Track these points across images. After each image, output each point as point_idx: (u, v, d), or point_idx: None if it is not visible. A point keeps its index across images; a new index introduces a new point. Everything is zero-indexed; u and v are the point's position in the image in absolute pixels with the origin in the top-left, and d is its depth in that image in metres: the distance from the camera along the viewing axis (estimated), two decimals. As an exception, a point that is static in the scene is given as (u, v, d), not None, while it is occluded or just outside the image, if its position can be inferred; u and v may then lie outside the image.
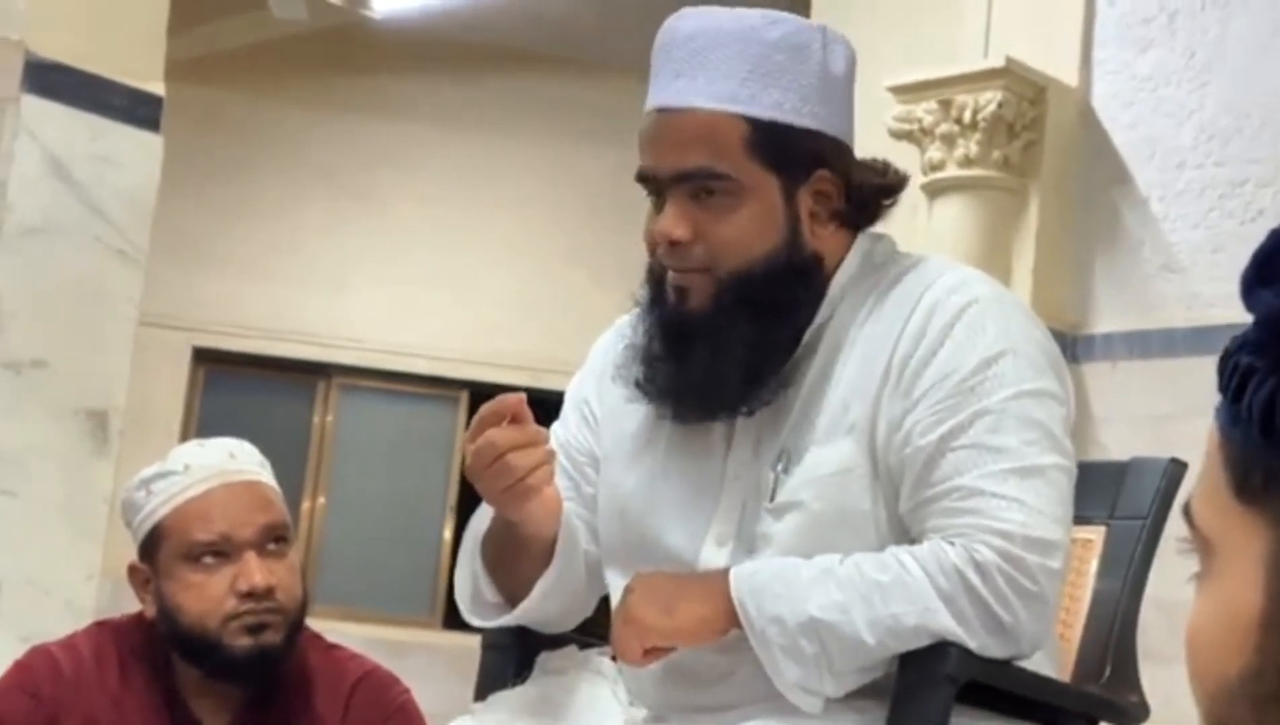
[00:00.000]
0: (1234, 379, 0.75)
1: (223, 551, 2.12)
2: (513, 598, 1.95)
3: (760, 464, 1.84)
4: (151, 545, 2.16)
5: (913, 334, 1.79)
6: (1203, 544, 0.77)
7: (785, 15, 1.88)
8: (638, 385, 1.90)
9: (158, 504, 2.15)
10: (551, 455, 1.83)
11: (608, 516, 1.97)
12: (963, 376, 1.76)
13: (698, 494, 1.87)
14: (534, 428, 1.82)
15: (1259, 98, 4.54)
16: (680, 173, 1.82)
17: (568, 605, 1.98)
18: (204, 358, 8.93)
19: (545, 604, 1.93)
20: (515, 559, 1.93)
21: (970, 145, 4.83)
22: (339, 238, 8.92)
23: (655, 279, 1.89)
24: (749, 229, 1.81)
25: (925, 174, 4.82)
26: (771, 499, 1.81)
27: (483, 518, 1.97)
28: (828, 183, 1.85)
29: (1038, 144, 4.88)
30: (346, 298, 8.87)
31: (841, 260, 1.87)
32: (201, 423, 8.84)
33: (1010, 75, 4.81)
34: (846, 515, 1.78)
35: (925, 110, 4.89)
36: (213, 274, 8.73)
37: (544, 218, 9.05)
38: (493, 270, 8.96)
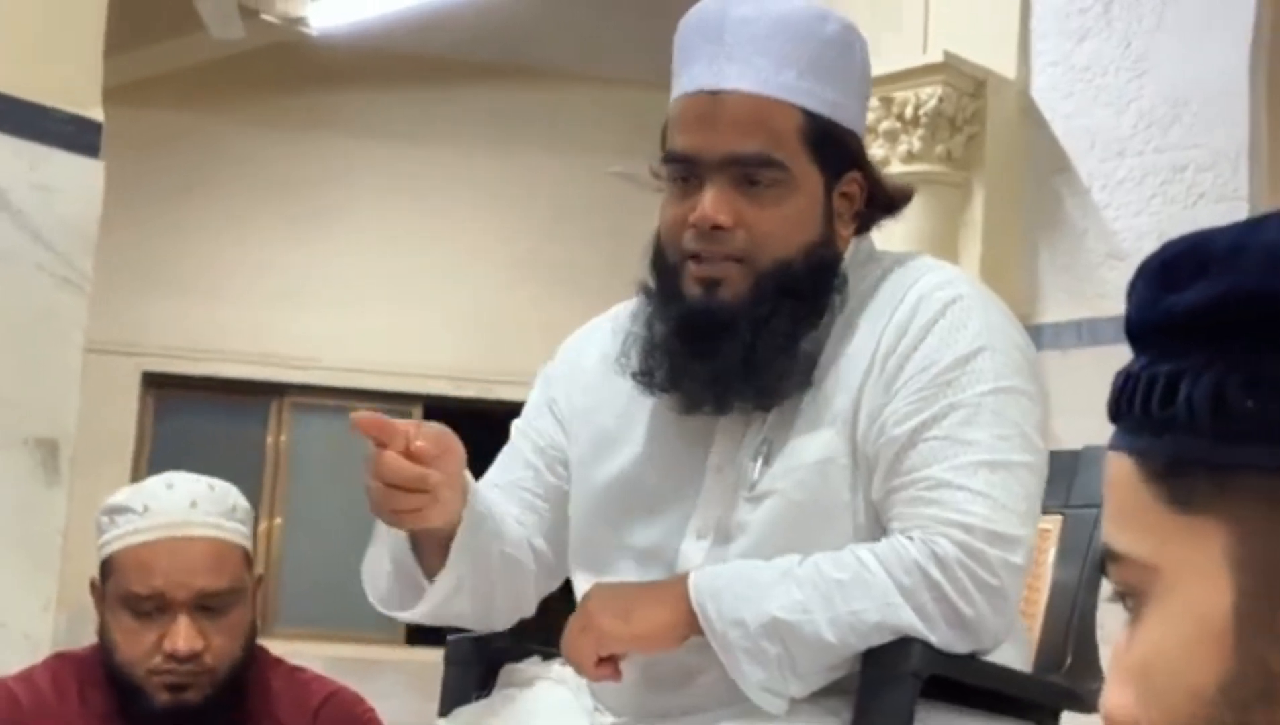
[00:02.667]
0: (1150, 393, 0.75)
1: (158, 606, 2.10)
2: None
3: (742, 455, 1.83)
4: (103, 574, 2.16)
5: (897, 328, 1.80)
6: (1140, 575, 0.76)
7: (830, 10, 1.90)
8: (639, 377, 1.86)
9: (113, 538, 2.13)
10: (432, 501, 1.72)
11: (581, 514, 1.95)
12: (941, 370, 1.77)
13: (679, 487, 1.86)
14: (419, 472, 1.70)
15: (1196, 83, 4.57)
16: (734, 156, 1.79)
17: (485, 605, 1.91)
18: (154, 382, 8.87)
19: (452, 602, 1.86)
20: (423, 552, 1.86)
21: (913, 141, 4.85)
22: (286, 256, 8.87)
23: (668, 269, 1.85)
24: (792, 221, 1.81)
25: (870, 171, 4.83)
26: (751, 489, 1.81)
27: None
28: (856, 185, 1.87)
29: (979, 137, 4.90)
30: (296, 316, 8.83)
31: None
32: (154, 447, 8.78)
33: (949, 70, 4.84)
34: (826, 506, 1.78)
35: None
36: (160, 297, 8.68)
37: (493, 229, 9.03)
38: (443, 283, 8.94)
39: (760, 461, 1.81)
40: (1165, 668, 0.74)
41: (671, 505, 1.87)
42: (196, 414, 9.00)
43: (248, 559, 2.19)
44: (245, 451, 8.94)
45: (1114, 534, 0.78)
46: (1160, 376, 0.74)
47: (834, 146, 1.84)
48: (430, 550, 1.85)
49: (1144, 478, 0.75)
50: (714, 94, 1.81)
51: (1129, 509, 0.77)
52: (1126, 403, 0.77)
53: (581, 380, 2.00)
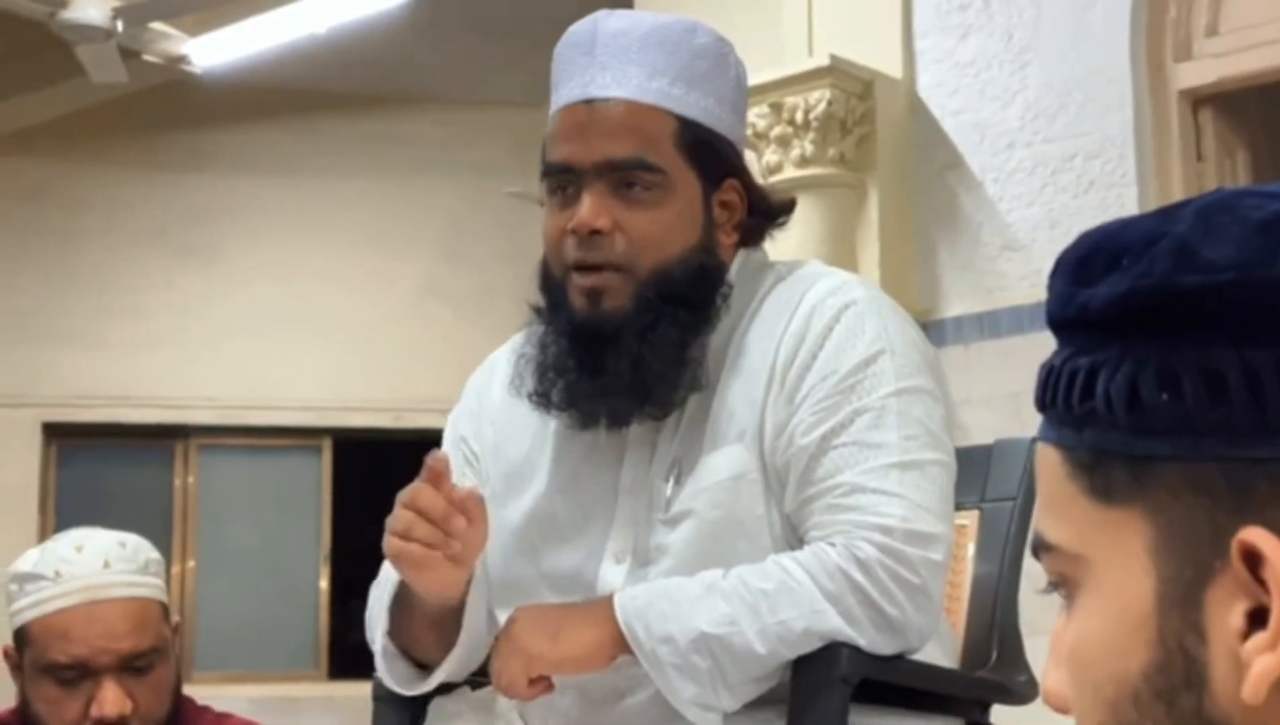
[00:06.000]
0: (1071, 387, 0.76)
1: (81, 673, 2.06)
2: (415, 655, 1.89)
3: (653, 476, 1.83)
4: (19, 643, 2.11)
5: (794, 338, 1.81)
6: (1070, 565, 0.77)
7: (701, 23, 1.91)
8: (534, 398, 1.86)
9: (25, 606, 2.08)
10: (446, 544, 1.72)
11: (498, 552, 1.92)
12: (842, 376, 1.77)
13: (592, 512, 1.86)
14: (447, 508, 1.71)
15: (1079, 72, 4.64)
16: (610, 161, 1.80)
17: (471, 661, 1.92)
18: (55, 433, 8.73)
19: (453, 668, 1.87)
20: (422, 629, 1.86)
21: (805, 145, 4.88)
22: (182, 297, 8.78)
23: (554, 284, 1.84)
24: (671, 225, 1.81)
25: (764, 178, 4.86)
26: (666, 510, 1.81)
27: (385, 585, 1.89)
28: (735, 193, 1.88)
29: (870, 138, 4.94)
30: (195, 356, 8.73)
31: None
32: (60, 498, 8.65)
33: (837, 73, 4.87)
34: (741, 521, 1.78)
35: (758, 115, 4.93)
36: (55, 347, 8.56)
37: (389, 256, 8.98)
38: (342, 313, 8.88)
39: (671, 482, 1.81)
40: (1093, 655, 0.75)
41: (586, 530, 1.86)
42: (101, 462, 8.87)
43: (165, 612, 2.15)
44: (153, 496, 8.83)
45: (1044, 524, 0.79)
46: (1079, 370, 0.75)
47: (710, 153, 1.85)
48: (424, 624, 1.84)
49: (1069, 469, 0.76)
50: (588, 103, 1.82)
51: (1056, 500, 0.78)
52: (1050, 396, 0.78)
53: (488, 414, 1.99)
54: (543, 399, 1.85)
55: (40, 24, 6.42)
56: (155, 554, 2.17)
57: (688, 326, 1.81)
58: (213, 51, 7.21)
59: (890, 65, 4.99)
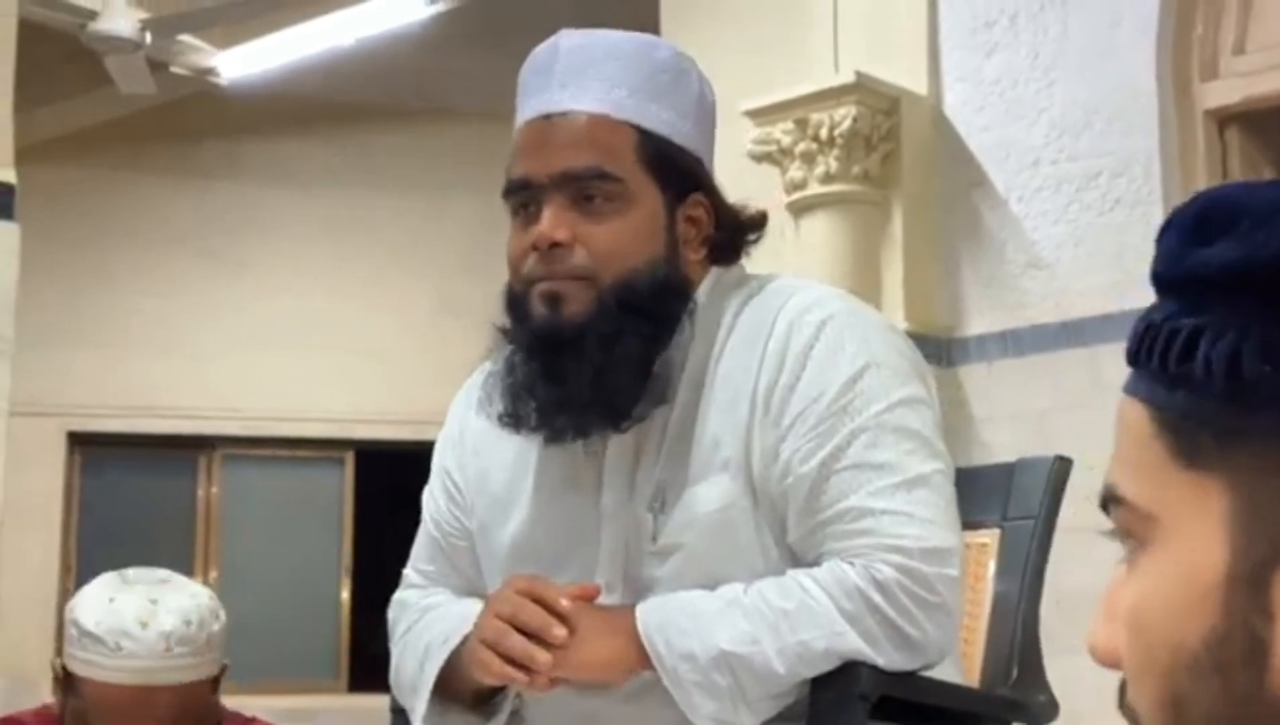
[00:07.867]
0: (1169, 346, 0.74)
1: None
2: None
3: (636, 503, 1.81)
4: (68, 683, 2.11)
5: (774, 359, 1.78)
6: (1140, 522, 0.75)
7: (663, 40, 1.90)
8: (504, 419, 1.84)
9: (79, 659, 2.07)
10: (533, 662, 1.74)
11: (492, 580, 1.92)
12: (831, 397, 1.75)
13: (576, 538, 1.84)
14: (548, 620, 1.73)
15: (1104, 90, 4.63)
16: (568, 173, 1.78)
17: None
18: (79, 441, 8.77)
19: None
20: (466, 690, 1.87)
21: (830, 161, 4.88)
22: (206, 308, 8.81)
23: (517, 299, 1.83)
24: (632, 237, 1.79)
25: (788, 194, 4.86)
26: (654, 541, 1.79)
27: (424, 650, 1.90)
28: (701, 207, 1.85)
29: (895, 155, 4.93)
30: (220, 367, 8.76)
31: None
32: (83, 507, 8.68)
33: (862, 89, 4.87)
34: (734, 550, 1.76)
35: (783, 131, 4.93)
36: (80, 356, 8.59)
37: (411, 270, 9.00)
38: (365, 326, 8.90)
39: (657, 512, 1.79)
40: (1153, 618, 0.74)
41: (571, 558, 1.84)
42: (124, 471, 8.90)
43: (216, 682, 2.15)
44: (176, 506, 8.85)
45: (1118, 478, 0.77)
46: (1180, 331, 0.73)
47: (672, 166, 1.82)
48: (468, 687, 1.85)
49: (1154, 428, 0.74)
50: (547, 119, 1.81)
51: (1136, 455, 0.76)
52: (1145, 351, 0.75)
53: (470, 443, 1.98)
54: (513, 419, 1.83)
55: (71, 35, 6.46)
56: (219, 623, 2.15)
57: (650, 339, 1.78)
58: (239, 64, 7.25)
59: (916, 82, 4.99)
